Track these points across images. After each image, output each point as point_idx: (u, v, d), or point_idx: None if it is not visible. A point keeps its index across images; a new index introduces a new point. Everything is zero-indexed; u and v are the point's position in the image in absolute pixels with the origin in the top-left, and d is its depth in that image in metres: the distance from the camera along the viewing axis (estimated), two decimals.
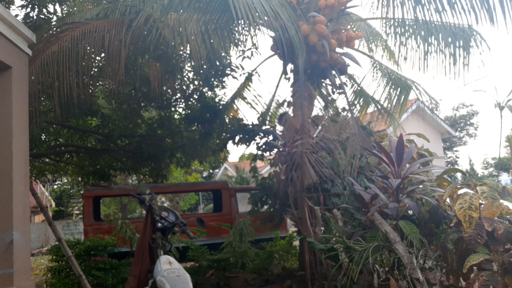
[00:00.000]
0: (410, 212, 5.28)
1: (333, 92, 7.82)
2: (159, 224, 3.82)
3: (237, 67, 8.87)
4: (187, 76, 9.14)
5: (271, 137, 8.30)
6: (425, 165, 5.59)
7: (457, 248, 4.32)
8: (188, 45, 6.03)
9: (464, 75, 6.49)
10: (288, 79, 7.40)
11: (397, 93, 7.51)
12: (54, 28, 7.20)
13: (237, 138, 8.59)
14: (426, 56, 6.73)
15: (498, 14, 5.06)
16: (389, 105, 7.73)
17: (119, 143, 10.44)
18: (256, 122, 8.73)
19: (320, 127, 7.04)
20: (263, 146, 8.35)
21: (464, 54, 6.46)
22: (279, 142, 7.48)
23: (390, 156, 4.91)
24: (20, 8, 7.05)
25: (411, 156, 5.08)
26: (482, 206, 4.19)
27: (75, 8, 8.25)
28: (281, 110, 8.69)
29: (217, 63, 8.32)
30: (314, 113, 7.11)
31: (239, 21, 5.12)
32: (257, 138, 8.46)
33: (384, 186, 5.12)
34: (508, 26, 4.94)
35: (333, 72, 7.08)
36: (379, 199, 4.76)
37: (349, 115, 7.17)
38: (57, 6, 7.53)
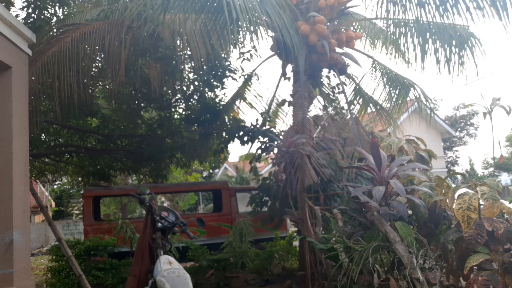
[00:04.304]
0: (410, 211, 5.28)
1: (333, 92, 7.83)
2: (159, 224, 3.82)
3: (236, 69, 8.88)
4: (187, 77, 9.15)
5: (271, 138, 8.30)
6: (424, 163, 5.58)
7: (457, 248, 4.32)
8: (188, 45, 6.03)
9: (465, 74, 6.51)
10: (288, 78, 7.41)
11: (396, 93, 7.51)
12: (55, 29, 7.21)
13: (236, 138, 8.60)
14: (425, 56, 6.74)
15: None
16: (388, 105, 7.73)
17: (119, 143, 10.44)
18: (256, 122, 8.73)
19: (320, 127, 7.04)
20: (264, 146, 8.35)
21: (463, 54, 6.47)
22: (280, 142, 7.48)
23: (367, 164, 4.89)
24: (20, 9, 7.06)
25: (386, 158, 5.03)
26: (482, 206, 4.19)
27: (74, 9, 8.26)
28: (281, 110, 8.71)
29: (217, 64, 8.33)
30: (314, 113, 7.12)
31: (238, 23, 5.13)
32: (259, 138, 8.47)
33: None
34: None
35: (333, 72, 7.08)
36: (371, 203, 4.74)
37: (349, 115, 7.17)
38: (57, 8, 7.54)
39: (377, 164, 4.80)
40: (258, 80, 8.99)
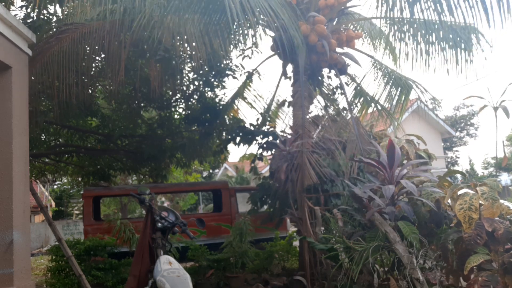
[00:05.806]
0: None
1: (334, 92, 7.82)
2: (159, 224, 3.83)
3: (237, 66, 8.88)
4: (187, 77, 9.15)
5: (271, 137, 8.30)
6: (425, 165, 5.58)
7: (457, 248, 4.31)
8: (188, 46, 6.03)
9: (466, 73, 6.50)
10: (290, 78, 7.40)
11: (398, 93, 7.49)
12: (55, 29, 7.21)
13: (237, 139, 8.60)
14: (427, 55, 6.73)
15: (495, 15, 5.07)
16: (389, 105, 7.71)
17: (119, 143, 10.45)
18: (256, 122, 8.73)
19: (320, 127, 7.04)
20: (264, 146, 8.35)
21: (465, 53, 6.46)
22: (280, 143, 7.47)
23: (380, 161, 4.89)
24: (19, 8, 7.06)
25: (400, 158, 5.04)
26: (482, 206, 4.19)
27: (74, 9, 8.25)
28: (281, 110, 8.70)
29: (217, 64, 8.33)
30: (314, 113, 7.11)
31: (239, 22, 5.13)
32: (258, 138, 8.48)
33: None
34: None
35: (333, 72, 7.08)
36: (375, 202, 4.74)
37: (349, 115, 7.16)
38: (57, 7, 7.53)
39: (390, 162, 4.81)
40: (259, 76, 8.98)
